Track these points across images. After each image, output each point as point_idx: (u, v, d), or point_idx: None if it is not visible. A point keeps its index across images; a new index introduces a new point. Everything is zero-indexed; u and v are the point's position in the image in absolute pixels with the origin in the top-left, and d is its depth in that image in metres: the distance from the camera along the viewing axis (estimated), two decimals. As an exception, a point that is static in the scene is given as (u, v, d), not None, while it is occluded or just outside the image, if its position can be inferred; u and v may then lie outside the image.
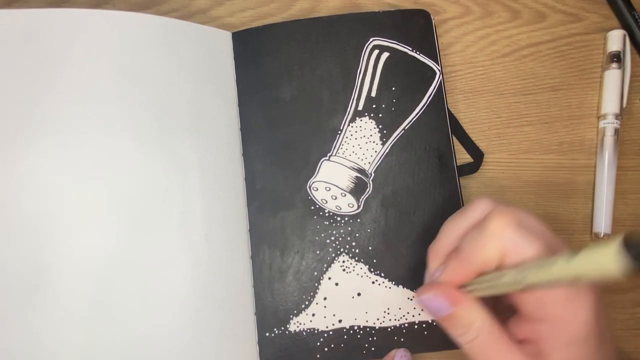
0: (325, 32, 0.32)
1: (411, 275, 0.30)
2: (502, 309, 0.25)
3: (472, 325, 0.23)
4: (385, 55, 0.32)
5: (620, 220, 0.32)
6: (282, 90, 0.32)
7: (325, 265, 0.30)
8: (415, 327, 0.29)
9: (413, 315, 0.30)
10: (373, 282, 0.30)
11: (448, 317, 0.24)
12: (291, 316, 0.30)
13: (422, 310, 0.30)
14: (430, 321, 0.29)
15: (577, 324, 0.22)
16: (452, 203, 0.30)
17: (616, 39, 0.33)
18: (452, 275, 0.25)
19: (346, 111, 0.32)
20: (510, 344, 0.23)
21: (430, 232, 0.30)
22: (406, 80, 0.32)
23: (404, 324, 0.29)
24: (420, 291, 0.26)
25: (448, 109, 0.32)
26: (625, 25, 0.34)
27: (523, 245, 0.22)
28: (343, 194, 0.31)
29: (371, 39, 0.32)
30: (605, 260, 0.15)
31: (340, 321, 0.30)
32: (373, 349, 0.29)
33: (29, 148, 0.28)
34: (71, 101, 0.28)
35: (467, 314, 0.24)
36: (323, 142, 0.31)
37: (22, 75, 0.28)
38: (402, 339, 0.29)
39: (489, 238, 0.23)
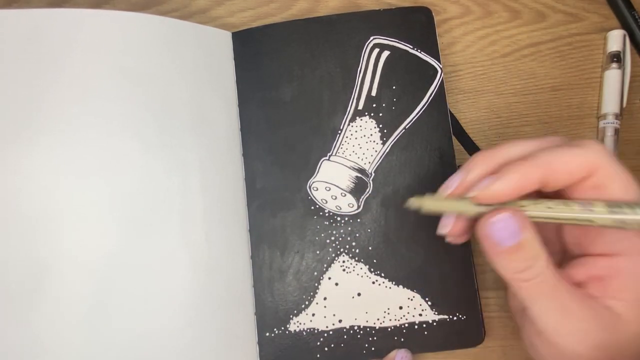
0: (325, 32, 0.32)
1: (411, 275, 0.30)
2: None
3: (537, 259, 0.20)
4: (386, 53, 0.32)
5: (620, 220, 0.32)
6: (282, 90, 0.32)
7: (325, 265, 0.30)
8: (416, 327, 0.29)
9: (413, 316, 0.29)
10: (373, 282, 0.30)
11: (512, 249, 0.20)
12: (291, 316, 0.30)
13: (423, 310, 0.30)
14: (430, 321, 0.29)
15: None
16: (453, 203, 0.30)
17: (616, 39, 0.33)
18: (517, 184, 0.20)
19: (346, 111, 0.31)
20: (571, 285, 0.20)
21: (431, 232, 0.30)
22: (407, 78, 0.31)
23: (404, 324, 0.29)
24: (488, 215, 0.21)
25: (448, 108, 0.32)
26: (625, 25, 0.34)
27: (617, 174, 0.19)
28: (343, 194, 0.31)
29: (371, 38, 0.32)
30: None
31: (340, 321, 0.30)
32: (373, 349, 0.29)
33: (30, 148, 0.27)
34: (72, 101, 0.28)
35: (533, 245, 0.20)
36: (323, 142, 0.31)
37: (24, 75, 0.28)
38: (402, 339, 0.29)
39: (583, 148, 0.20)
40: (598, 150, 0.20)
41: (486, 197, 0.21)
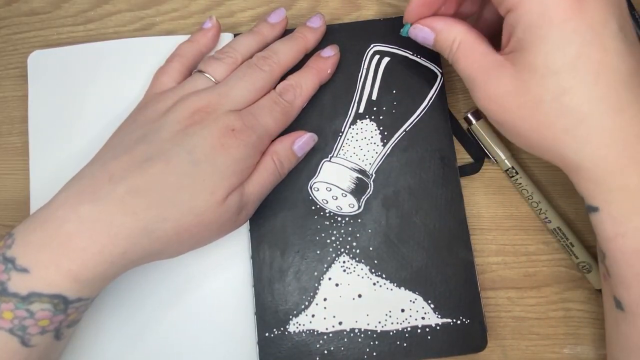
0: (327, 39, 0.32)
1: (413, 277, 0.30)
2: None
3: (454, 40, 0.26)
4: (386, 59, 0.32)
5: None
6: None
7: (325, 266, 0.30)
8: (419, 331, 0.29)
9: (416, 319, 0.29)
10: (374, 284, 0.30)
11: (435, 44, 0.27)
12: (291, 317, 0.29)
13: (425, 313, 0.29)
14: (434, 325, 0.29)
15: (534, 4, 0.22)
16: (455, 204, 0.30)
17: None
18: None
19: (347, 114, 0.32)
20: (488, 45, 0.25)
21: (432, 233, 0.30)
22: (407, 83, 0.32)
23: (406, 328, 0.29)
24: (411, 29, 0.28)
25: (449, 109, 0.32)
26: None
27: None
28: (344, 195, 0.31)
29: (372, 45, 0.32)
30: None
31: (340, 323, 0.29)
32: (375, 353, 0.29)
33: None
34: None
35: (447, 35, 0.26)
36: (324, 143, 0.31)
37: None
38: (404, 344, 0.29)
39: None
40: None
41: (408, 16, 0.28)
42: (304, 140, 0.29)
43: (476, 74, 0.25)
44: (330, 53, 0.31)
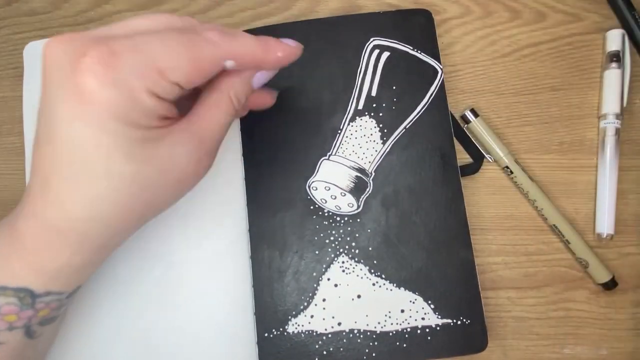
0: (326, 33, 0.32)
1: (413, 277, 0.29)
2: None
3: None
4: (386, 54, 0.32)
5: (621, 220, 0.32)
6: (282, 90, 0.31)
7: (324, 266, 0.30)
8: (418, 331, 0.29)
9: (416, 320, 0.29)
10: (374, 284, 0.29)
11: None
12: (290, 317, 0.29)
13: (425, 313, 0.29)
14: (434, 325, 0.29)
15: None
16: (456, 203, 0.30)
17: (615, 39, 0.33)
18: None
19: (346, 111, 0.31)
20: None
21: (432, 233, 0.30)
22: (407, 79, 0.31)
23: (406, 329, 0.29)
24: None
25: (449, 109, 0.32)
26: (625, 25, 0.33)
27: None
28: (343, 194, 0.30)
29: (372, 39, 0.32)
30: None
31: (339, 324, 0.29)
32: (374, 354, 0.29)
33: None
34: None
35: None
36: (323, 141, 0.31)
37: None
38: (404, 345, 0.29)
39: None
40: None
41: None
42: (263, 74, 0.25)
43: None
44: (292, 43, 0.25)
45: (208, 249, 0.30)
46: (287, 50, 0.25)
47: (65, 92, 0.20)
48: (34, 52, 0.32)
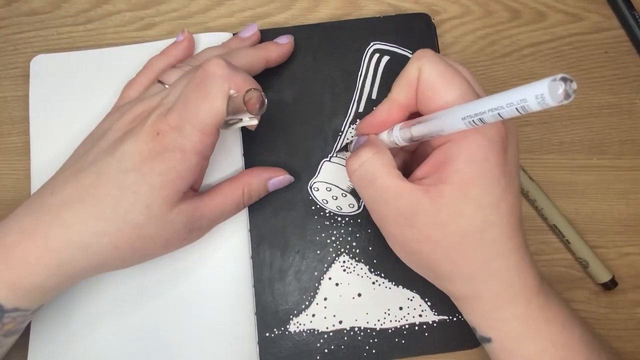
0: (327, 37, 0.32)
1: (411, 275, 0.29)
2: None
3: (363, 157, 0.24)
4: (386, 58, 0.32)
5: (621, 220, 0.32)
6: (284, 93, 0.32)
7: (325, 265, 0.30)
8: (416, 328, 0.29)
9: (413, 317, 0.29)
10: (373, 283, 0.30)
11: (354, 155, 0.25)
12: (291, 316, 0.29)
13: (423, 310, 0.29)
14: (430, 322, 0.29)
15: (478, 145, 0.22)
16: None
17: None
18: (378, 116, 0.25)
19: (347, 113, 0.32)
20: (395, 169, 0.23)
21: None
22: (406, 81, 0.32)
23: (404, 325, 0.29)
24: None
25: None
26: (625, 25, 0.34)
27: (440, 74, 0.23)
28: (344, 194, 0.31)
29: (372, 43, 0.32)
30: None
31: (340, 322, 0.29)
32: (374, 351, 0.29)
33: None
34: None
35: (364, 153, 0.24)
36: (324, 143, 0.31)
37: None
38: (403, 341, 0.29)
39: (412, 63, 0.23)
40: (419, 55, 0.24)
41: (361, 128, 0.26)
42: (279, 180, 0.29)
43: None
44: (284, 41, 0.30)
45: (209, 249, 0.30)
46: (284, 50, 0.30)
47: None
48: (40, 65, 0.33)
